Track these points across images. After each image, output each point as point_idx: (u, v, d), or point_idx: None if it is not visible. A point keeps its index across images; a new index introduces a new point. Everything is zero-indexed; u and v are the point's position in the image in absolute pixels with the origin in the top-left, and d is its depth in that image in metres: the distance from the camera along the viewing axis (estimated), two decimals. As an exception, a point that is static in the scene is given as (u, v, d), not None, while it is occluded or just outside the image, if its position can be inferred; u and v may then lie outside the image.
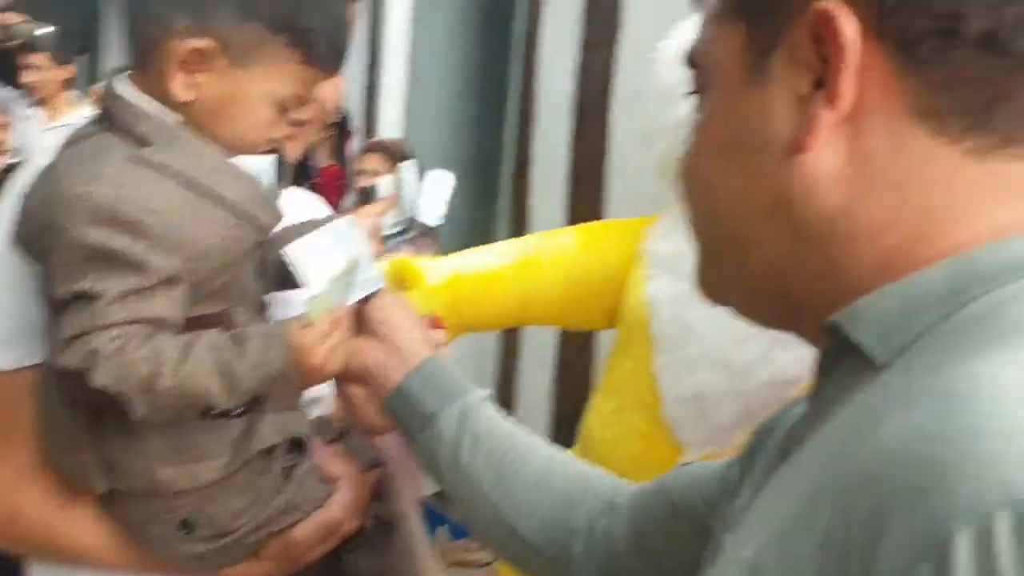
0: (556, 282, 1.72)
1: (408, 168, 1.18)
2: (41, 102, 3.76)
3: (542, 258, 1.72)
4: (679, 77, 1.51)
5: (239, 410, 0.81)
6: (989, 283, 0.45)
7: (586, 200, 2.79)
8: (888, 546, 0.36)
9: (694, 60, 0.58)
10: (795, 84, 0.49)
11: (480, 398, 0.89)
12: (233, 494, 0.84)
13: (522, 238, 1.83)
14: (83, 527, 0.87)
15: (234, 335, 0.79)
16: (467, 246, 1.76)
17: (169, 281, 0.75)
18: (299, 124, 0.90)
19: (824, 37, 0.47)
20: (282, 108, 0.84)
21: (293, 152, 0.96)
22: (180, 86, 0.79)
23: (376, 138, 3.32)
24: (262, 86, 0.81)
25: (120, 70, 0.84)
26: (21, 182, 0.84)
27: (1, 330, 0.85)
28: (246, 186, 0.81)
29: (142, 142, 0.78)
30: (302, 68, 0.82)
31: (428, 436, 0.86)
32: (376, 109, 3.42)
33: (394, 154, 3.03)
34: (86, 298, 0.73)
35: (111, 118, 0.81)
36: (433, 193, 1.15)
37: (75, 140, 0.82)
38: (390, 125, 3.31)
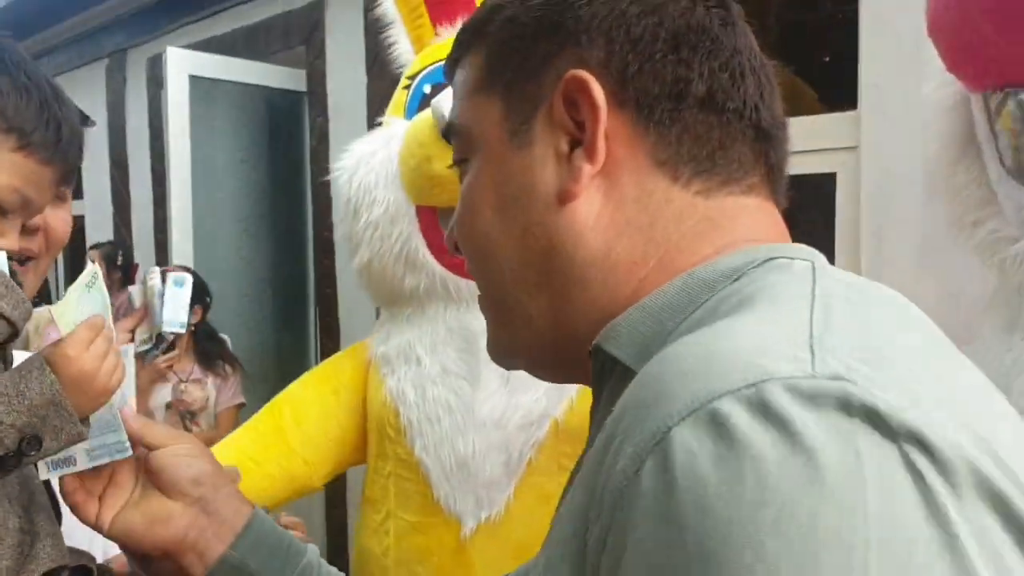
0: (317, 438, 1.82)
1: (153, 274, 1.13)
2: None
3: (290, 424, 1.82)
4: (358, 186, 1.69)
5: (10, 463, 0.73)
6: (709, 289, 0.53)
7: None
8: (622, 462, 0.42)
9: (455, 131, 0.65)
10: (555, 143, 0.58)
11: (315, 557, 0.83)
12: None
13: (274, 402, 1.91)
14: None
15: None
16: (282, 365, 1.82)
17: None
18: (29, 255, 0.87)
19: (577, 101, 0.56)
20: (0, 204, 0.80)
21: (29, 285, 0.89)
22: None
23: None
24: None
25: None
26: None
27: None
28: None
29: None
30: (17, 156, 0.79)
31: None
32: (168, 239, 3.39)
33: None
34: None
35: None
36: (173, 298, 1.09)
37: None
38: (181, 253, 3.27)
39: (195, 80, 3.36)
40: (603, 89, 0.56)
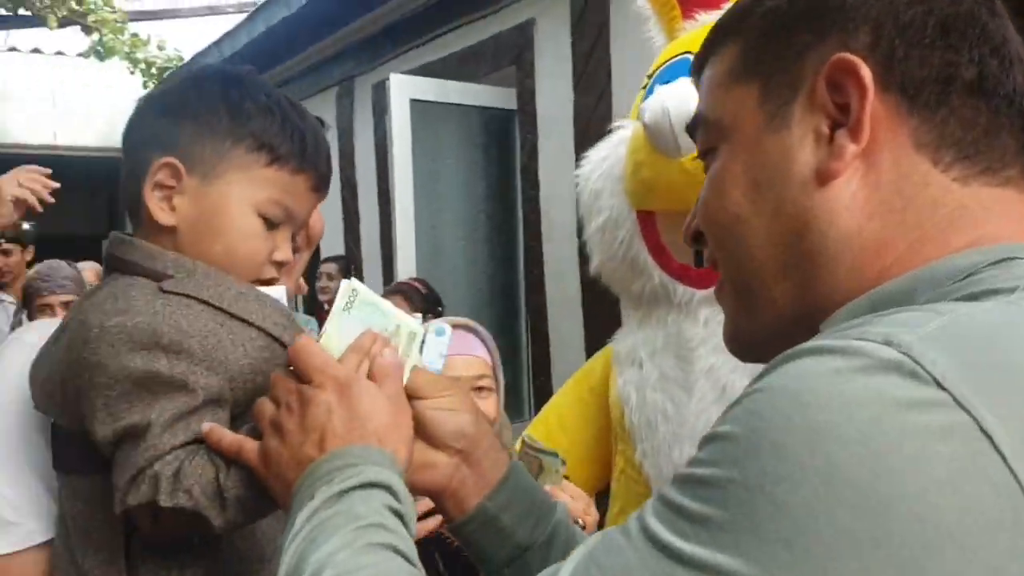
0: (580, 435, 1.92)
1: (434, 327, 1.05)
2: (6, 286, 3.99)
3: (556, 430, 1.93)
4: (589, 193, 1.75)
5: None
6: (934, 287, 0.53)
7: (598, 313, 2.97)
8: None
9: (703, 122, 0.68)
10: (815, 125, 0.60)
11: (564, 516, 0.84)
12: None
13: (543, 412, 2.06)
14: None
15: None
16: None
17: (214, 402, 0.75)
18: (292, 251, 0.90)
19: (842, 84, 0.58)
20: (264, 217, 0.84)
21: (290, 283, 0.94)
22: (161, 213, 0.81)
23: (400, 280, 3.43)
24: (236, 194, 0.82)
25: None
26: (9, 360, 0.88)
27: (11, 507, 0.84)
28: (270, 309, 0.81)
29: (161, 276, 0.79)
30: (270, 171, 0.83)
31: (517, 567, 0.80)
32: (393, 254, 3.63)
33: (414, 299, 3.20)
34: (136, 433, 0.72)
35: (120, 266, 0.81)
36: (432, 346, 1.01)
37: (86, 297, 0.83)
38: (405, 265, 3.50)
39: (415, 103, 3.59)
40: (871, 69, 0.57)
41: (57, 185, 2.25)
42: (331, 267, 4.53)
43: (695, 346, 1.69)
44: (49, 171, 2.25)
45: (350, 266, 4.58)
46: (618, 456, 1.87)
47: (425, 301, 3.20)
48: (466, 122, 3.81)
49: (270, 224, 0.85)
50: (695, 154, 0.74)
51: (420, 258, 3.56)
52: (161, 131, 0.83)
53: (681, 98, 1.51)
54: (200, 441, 0.73)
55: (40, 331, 0.87)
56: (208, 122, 0.82)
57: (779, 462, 0.44)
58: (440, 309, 3.22)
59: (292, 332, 0.81)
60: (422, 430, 0.79)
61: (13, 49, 7.75)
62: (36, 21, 6.51)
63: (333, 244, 4.98)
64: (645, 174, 1.67)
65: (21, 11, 6.46)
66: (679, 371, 1.72)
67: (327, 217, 1.07)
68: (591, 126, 3.05)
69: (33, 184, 2.19)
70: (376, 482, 0.67)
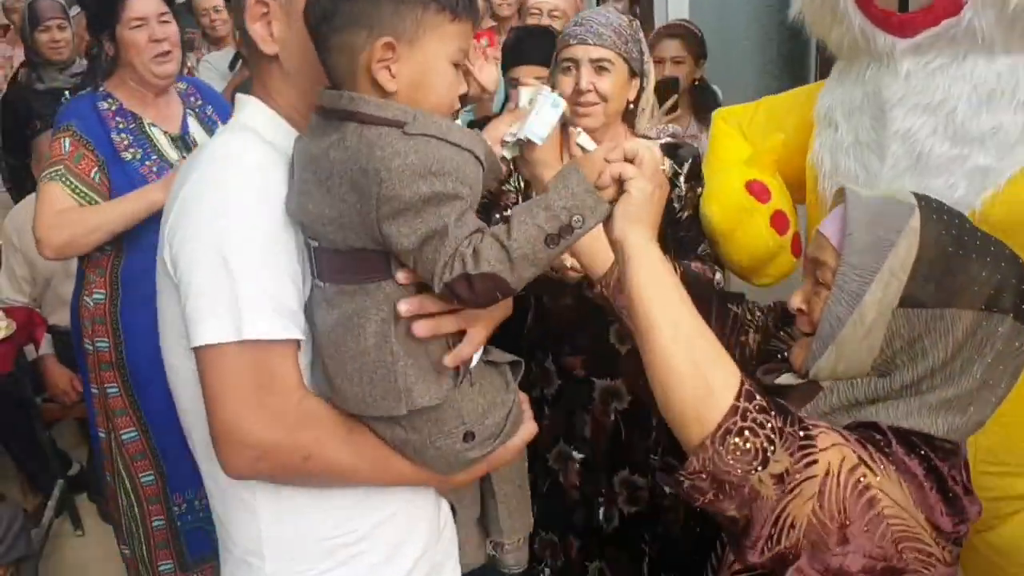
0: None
1: (540, 90, 1.27)
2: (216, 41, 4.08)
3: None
4: None
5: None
6: None
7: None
8: None
9: None
10: None
11: None
12: (478, 396, 1.06)
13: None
14: (361, 452, 1.04)
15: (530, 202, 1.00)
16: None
17: (472, 204, 0.98)
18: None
19: None
20: (455, 64, 1.02)
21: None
22: (387, 81, 0.98)
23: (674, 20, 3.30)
24: (437, 52, 0.99)
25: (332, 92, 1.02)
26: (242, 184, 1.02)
27: (275, 302, 0.99)
28: (479, 143, 1.00)
29: (396, 124, 0.96)
30: (455, 25, 0.99)
31: None
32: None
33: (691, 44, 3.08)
34: (437, 234, 0.94)
35: (355, 115, 0.98)
36: (540, 114, 1.24)
37: (335, 148, 0.98)
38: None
39: None
40: None
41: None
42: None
43: (892, 105, 1.49)
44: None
45: None
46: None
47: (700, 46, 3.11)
48: None
49: (456, 68, 1.03)
50: None
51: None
52: (362, 13, 0.97)
53: None
54: (479, 229, 0.96)
55: (254, 152, 1.04)
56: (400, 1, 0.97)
57: None
58: (703, 58, 3.09)
59: (485, 151, 1.00)
60: None
61: None
62: None
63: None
64: None
65: None
66: (873, 133, 1.53)
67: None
68: None
69: None
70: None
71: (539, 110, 1.23)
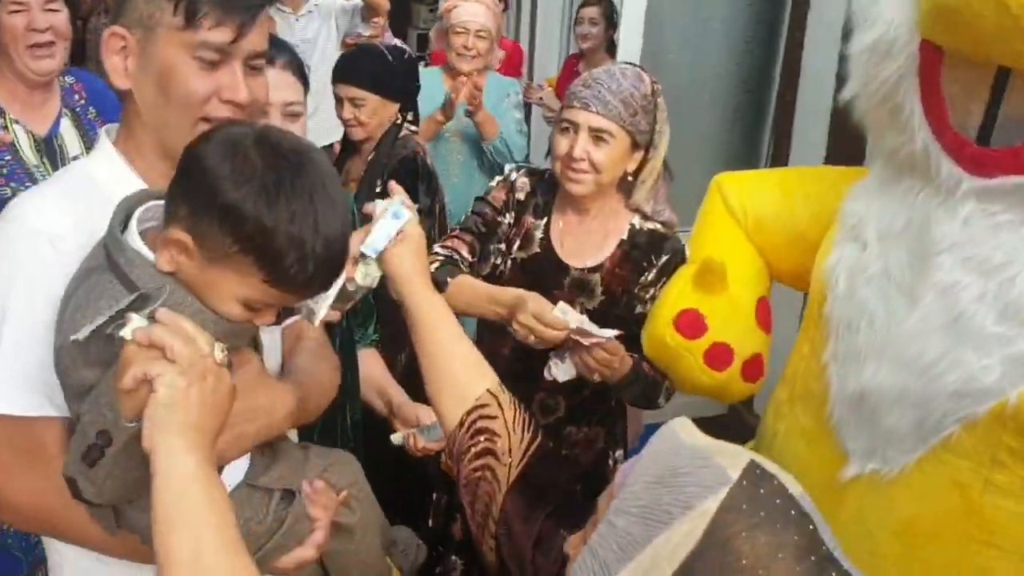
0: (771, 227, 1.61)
1: (393, 202, 1.23)
2: None
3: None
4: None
5: None
6: None
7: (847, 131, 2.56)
8: None
9: None
10: None
11: None
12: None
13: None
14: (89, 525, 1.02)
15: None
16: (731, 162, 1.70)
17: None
18: None
19: None
20: (247, 306, 0.96)
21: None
22: (164, 262, 0.95)
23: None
24: (227, 286, 0.94)
25: None
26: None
27: (24, 374, 0.99)
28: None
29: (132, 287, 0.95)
30: (265, 286, 0.93)
31: None
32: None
33: None
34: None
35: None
36: (384, 223, 1.19)
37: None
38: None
39: None
40: None
41: None
42: (592, 11, 4.14)
43: (941, 250, 1.22)
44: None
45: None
46: (802, 334, 1.50)
47: None
48: None
49: (248, 307, 0.99)
50: None
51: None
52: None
53: None
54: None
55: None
56: (231, 222, 0.91)
57: None
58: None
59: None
60: None
61: None
62: None
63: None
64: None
65: None
66: (908, 273, 1.27)
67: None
68: None
69: None
70: None
71: (381, 222, 1.19)
